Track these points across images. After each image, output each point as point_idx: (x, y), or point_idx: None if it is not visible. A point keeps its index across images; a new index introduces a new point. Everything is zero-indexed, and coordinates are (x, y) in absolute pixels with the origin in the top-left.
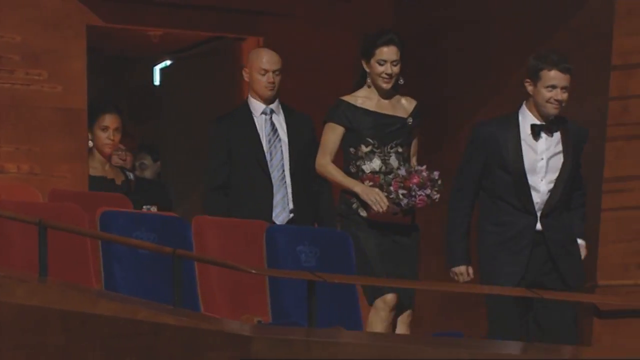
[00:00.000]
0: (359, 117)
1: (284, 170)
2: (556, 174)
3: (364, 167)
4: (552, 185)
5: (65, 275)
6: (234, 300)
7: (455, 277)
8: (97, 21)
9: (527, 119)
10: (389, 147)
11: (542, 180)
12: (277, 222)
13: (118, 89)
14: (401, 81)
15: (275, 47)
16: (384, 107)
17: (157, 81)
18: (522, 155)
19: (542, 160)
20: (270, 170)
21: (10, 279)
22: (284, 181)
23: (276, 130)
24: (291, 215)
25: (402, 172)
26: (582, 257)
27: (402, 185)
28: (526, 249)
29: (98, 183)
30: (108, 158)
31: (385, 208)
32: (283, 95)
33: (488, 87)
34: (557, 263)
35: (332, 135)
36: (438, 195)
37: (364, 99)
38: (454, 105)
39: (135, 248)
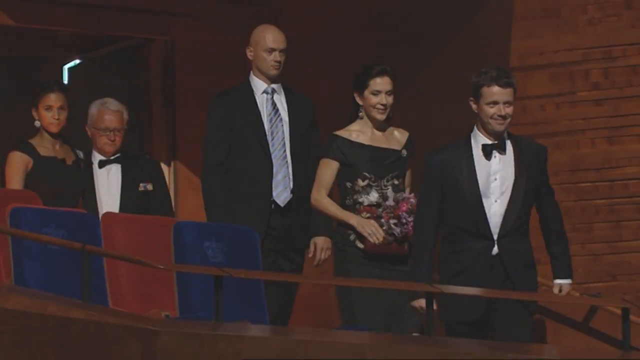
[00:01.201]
0: (354, 152)
1: (285, 150)
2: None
3: (360, 200)
4: (506, 207)
5: None
6: (142, 295)
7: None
8: (7, 20)
9: (478, 140)
10: (385, 180)
11: (496, 201)
12: (279, 202)
13: (26, 88)
14: (391, 115)
15: (184, 48)
16: (379, 140)
17: (65, 80)
18: (476, 178)
19: (495, 181)
20: (271, 150)
21: None
22: (285, 160)
23: (277, 109)
24: (291, 195)
25: (390, 202)
26: (562, 293)
27: (391, 215)
28: (482, 278)
29: (48, 163)
30: (56, 136)
31: (381, 239)
32: (192, 95)
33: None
34: (516, 285)
35: (327, 170)
36: None
37: (358, 132)
38: None
39: (45, 244)
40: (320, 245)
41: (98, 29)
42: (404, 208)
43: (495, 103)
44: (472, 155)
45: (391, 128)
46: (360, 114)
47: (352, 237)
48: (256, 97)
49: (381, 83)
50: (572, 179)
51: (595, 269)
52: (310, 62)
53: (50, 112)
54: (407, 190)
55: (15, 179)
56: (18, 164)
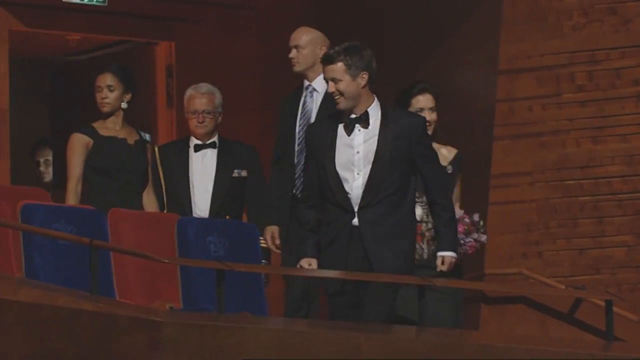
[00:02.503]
0: None
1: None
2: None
3: None
4: (367, 179)
5: None
6: (147, 288)
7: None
8: (19, 26)
9: (344, 114)
10: None
11: (358, 174)
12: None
13: (38, 89)
14: (437, 132)
15: (186, 52)
16: None
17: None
18: (334, 151)
19: (358, 154)
20: (296, 142)
21: None
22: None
23: (308, 106)
24: None
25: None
26: (443, 268)
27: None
28: (343, 245)
29: (108, 142)
30: (111, 116)
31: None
32: None
33: (381, 91)
34: (370, 257)
35: None
36: (485, 236)
37: None
38: None
39: (55, 239)
40: None
41: (105, 33)
42: (460, 229)
43: (326, 82)
44: (336, 130)
45: (438, 145)
46: None
47: None
48: (303, 95)
49: (423, 100)
50: (558, 177)
51: (580, 262)
52: None
53: (99, 93)
54: (457, 205)
55: (73, 158)
56: (77, 144)
